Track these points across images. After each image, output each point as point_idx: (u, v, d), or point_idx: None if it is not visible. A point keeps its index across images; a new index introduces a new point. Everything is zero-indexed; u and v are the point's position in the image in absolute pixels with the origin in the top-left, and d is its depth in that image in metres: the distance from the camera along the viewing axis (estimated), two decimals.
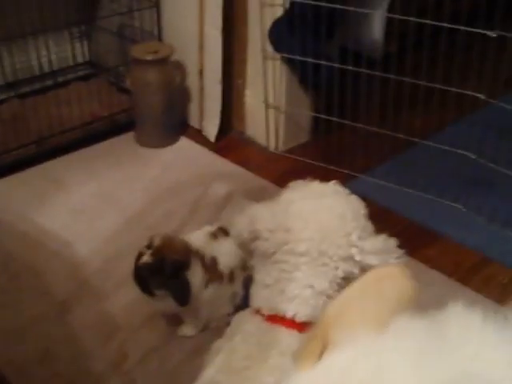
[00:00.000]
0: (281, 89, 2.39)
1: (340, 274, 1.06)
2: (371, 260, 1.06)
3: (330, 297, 1.05)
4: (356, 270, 1.06)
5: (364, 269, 1.06)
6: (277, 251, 1.07)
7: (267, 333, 1.05)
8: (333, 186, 1.14)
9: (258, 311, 1.10)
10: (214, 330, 1.66)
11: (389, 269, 0.54)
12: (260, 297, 1.11)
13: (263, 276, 1.10)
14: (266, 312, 1.08)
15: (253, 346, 1.03)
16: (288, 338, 1.03)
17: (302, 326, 1.05)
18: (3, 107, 2.56)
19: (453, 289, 1.82)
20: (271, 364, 1.00)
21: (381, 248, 1.08)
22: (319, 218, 1.07)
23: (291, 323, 1.05)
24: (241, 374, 0.99)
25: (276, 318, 1.06)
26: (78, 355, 1.61)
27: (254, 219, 1.10)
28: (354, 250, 1.06)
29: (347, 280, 1.06)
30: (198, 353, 1.60)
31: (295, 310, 1.05)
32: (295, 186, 1.18)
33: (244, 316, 1.14)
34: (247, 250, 1.14)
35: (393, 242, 1.10)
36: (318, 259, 1.05)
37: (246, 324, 1.10)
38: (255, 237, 1.09)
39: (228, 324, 1.61)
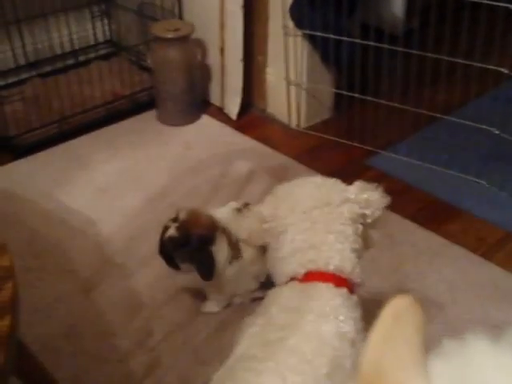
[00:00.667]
0: (302, 65, 2.37)
1: (346, 214, 1.19)
2: (362, 196, 1.23)
3: (348, 239, 1.17)
4: (356, 209, 1.22)
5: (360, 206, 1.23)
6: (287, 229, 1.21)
7: (305, 292, 1.10)
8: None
9: (291, 278, 1.14)
10: (239, 306, 1.68)
11: (399, 303, 0.53)
12: (290, 263, 1.16)
13: (287, 246, 1.19)
14: (300, 272, 1.14)
15: (289, 312, 1.06)
16: (326, 292, 1.08)
17: (337, 280, 1.11)
18: (26, 87, 2.57)
19: (476, 264, 1.82)
20: (307, 331, 1.01)
21: (362, 187, 1.26)
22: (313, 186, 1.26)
23: (327, 276, 1.11)
24: (276, 346, 1.00)
25: (311, 275, 1.12)
26: (103, 332, 1.63)
27: (261, 213, 1.26)
28: (348, 194, 1.23)
29: (354, 220, 1.21)
30: (223, 329, 1.62)
31: (326, 258, 1.13)
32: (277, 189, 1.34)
33: (278, 289, 1.17)
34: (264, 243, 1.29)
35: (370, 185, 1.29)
36: (325, 208, 1.19)
37: (282, 292, 1.14)
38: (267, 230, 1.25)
39: (253, 300, 1.65)
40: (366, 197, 1.24)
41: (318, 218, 1.18)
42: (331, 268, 1.12)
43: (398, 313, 0.54)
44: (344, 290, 1.10)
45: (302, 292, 1.10)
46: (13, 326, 0.89)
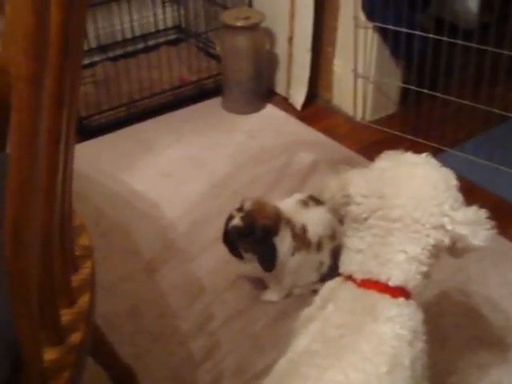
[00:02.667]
0: (371, 58, 2.35)
1: (431, 241, 1.06)
2: (462, 230, 1.06)
3: (421, 263, 1.07)
4: (446, 239, 1.07)
5: (454, 238, 1.07)
6: (369, 217, 1.08)
7: (360, 299, 1.06)
8: (425, 157, 1.15)
9: (349, 277, 1.11)
10: (298, 297, 1.69)
11: None
12: (352, 262, 1.12)
13: (355, 241, 1.11)
14: (358, 277, 1.09)
15: (346, 313, 1.04)
16: (381, 303, 1.05)
17: (394, 292, 1.06)
18: (97, 69, 2.63)
19: None
20: (366, 331, 1.00)
21: (472, 219, 1.08)
22: (413, 185, 1.08)
23: (384, 288, 1.06)
24: (336, 343, 1.00)
25: (369, 283, 1.07)
26: (164, 313, 1.67)
27: (348, 184, 1.11)
28: (445, 220, 1.06)
29: (437, 248, 1.08)
30: (282, 319, 1.63)
31: (389, 273, 1.06)
32: (388, 155, 1.18)
33: (335, 283, 1.15)
34: (338, 214, 1.16)
35: (483, 214, 1.10)
36: (411, 226, 1.05)
37: (339, 291, 1.10)
38: (348, 201, 1.11)
39: (313, 292, 1.65)
40: (466, 234, 1.06)
41: (400, 227, 1.06)
42: (391, 285, 1.07)
43: None
44: (400, 300, 1.07)
45: (358, 298, 1.08)
46: (92, 303, 0.92)
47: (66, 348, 0.86)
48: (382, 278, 1.07)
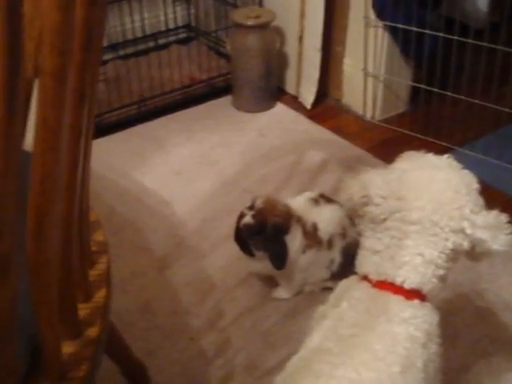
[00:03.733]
0: (381, 57, 2.35)
1: (450, 245, 1.06)
2: (482, 234, 1.05)
3: (438, 266, 1.06)
4: (465, 243, 1.06)
5: (473, 242, 1.06)
6: (388, 218, 1.08)
7: (375, 299, 1.06)
8: (446, 159, 1.14)
9: (365, 277, 1.11)
10: (309, 294, 1.69)
11: None
12: (368, 263, 1.11)
13: (372, 242, 1.11)
14: (374, 278, 1.09)
15: (360, 313, 1.05)
16: (395, 304, 1.05)
17: (409, 293, 1.06)
18: (107, 68, 2.64)
19: None
20: (380, 331, 1.01)
21: (492, 223, 1.07)
22: (433, 188, 1.07)
23: (399, 290, 1.06)
24: (349, 342, 1.00)
25: (384, 284, 1.07)
26: (175, 310, 1.68)
27: (367, 184, 1.10)
28: (465, 224, 1.05)
29: (455, 252, 1.07)
30: (292, 316, 1.64)
31: (405, 276, 1.06)
32: (408, 156, 1.17)
33: (350, 282, 1.15)
34: (356, 214, 1.15)
35: (504, 218, 1.09)
36: (430, 229, 1.05)
37: (353, 291, 1.11)
38: (366, 202, 1.10)
39: (324, 289, 1.66)
40: (486, 239, 1.05)
41: (418, 229, 1.06)
42: (406, 287, 1.07)
43: None
44: (415, 302, 1.06)
45: (372, 299, 1.08)
46: (108, 298, 0.93)
47: (83, 342, 0.87)
48: (398, 280, 1.06)
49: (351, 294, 1.10)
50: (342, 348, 1.00)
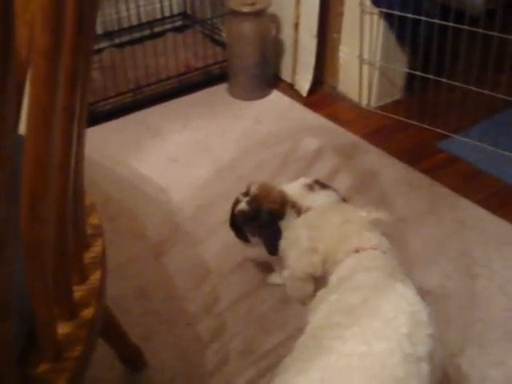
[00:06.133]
0: (377, 44, 2.35)
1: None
2: None
3: None
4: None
5: None
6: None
7: (364, 256, 1.18)
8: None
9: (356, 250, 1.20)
10: None
11: None
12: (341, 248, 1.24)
13: None
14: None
15: (363, 272, 1.13)
16: (380, 255, 1.19)
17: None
18: (103, 56, 2.64)
19: None
20: (384, 286, 1.06)
21: None
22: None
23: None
24: (359, 309, 1.01)
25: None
26: (171, 295, 1.69)
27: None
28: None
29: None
30: (287, 301, 1.65)
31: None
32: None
33: (340, 262, 1.20)
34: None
35: None
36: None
37: (346, 263, 1.18)
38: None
39: None
40: None
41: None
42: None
43: None
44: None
45: (364, 257, 1.18)
46: (103, 280, 0.94)
47: (78, 323, 0.88)
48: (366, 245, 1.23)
49: (346, 266, 1.14)
50: (351, 319, 1.00)
